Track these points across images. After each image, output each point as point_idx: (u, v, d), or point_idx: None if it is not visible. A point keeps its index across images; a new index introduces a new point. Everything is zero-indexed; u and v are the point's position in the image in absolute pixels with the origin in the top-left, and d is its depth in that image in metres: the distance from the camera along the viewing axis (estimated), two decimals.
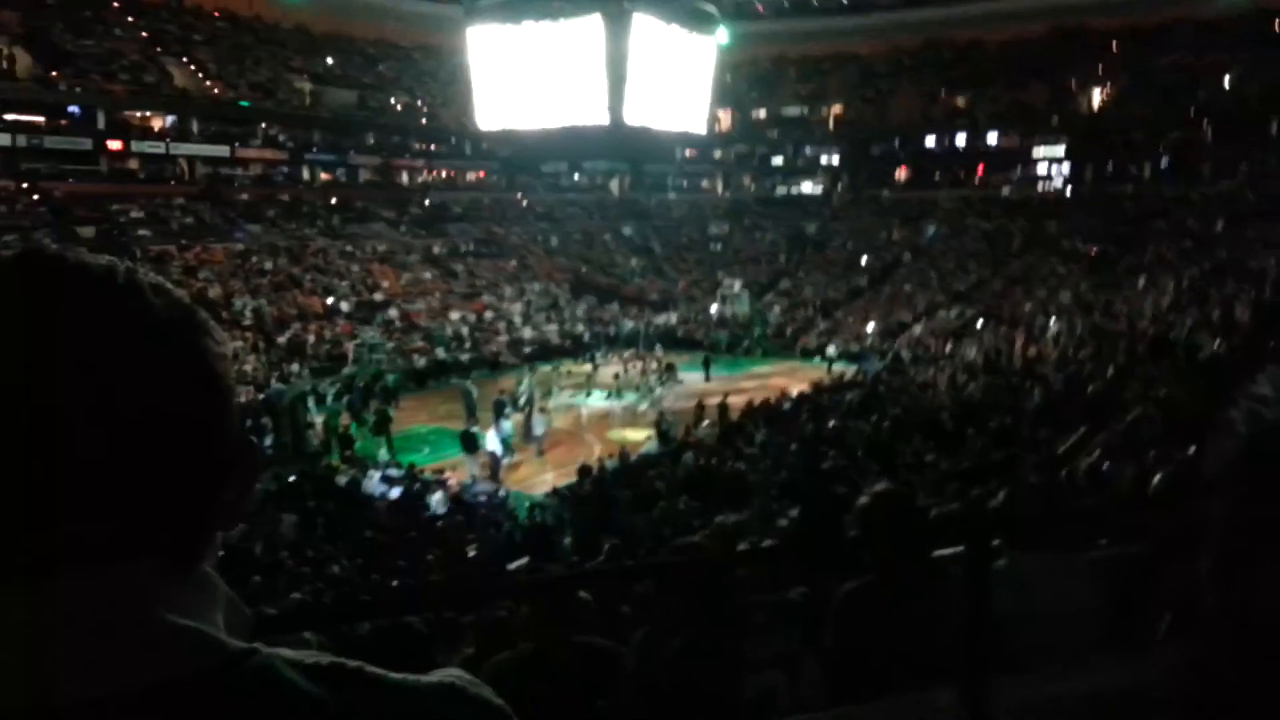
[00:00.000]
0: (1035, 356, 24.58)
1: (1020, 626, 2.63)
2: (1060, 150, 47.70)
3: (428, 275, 39.41)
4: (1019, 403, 15.07)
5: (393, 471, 18.09)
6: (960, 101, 51.29)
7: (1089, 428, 11.59)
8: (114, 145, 38.69)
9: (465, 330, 34.20)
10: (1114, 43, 47.59)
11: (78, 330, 0.60)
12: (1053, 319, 30.90)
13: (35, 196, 33.99)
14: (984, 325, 33.99)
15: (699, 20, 45.51)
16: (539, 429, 21.59)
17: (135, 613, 0.61)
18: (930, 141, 51.68)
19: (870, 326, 36.39)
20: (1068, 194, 45.83)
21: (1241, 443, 0.63)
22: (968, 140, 50.42)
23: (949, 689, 2.46)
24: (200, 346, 0.66)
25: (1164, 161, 45.03)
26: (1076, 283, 36.29)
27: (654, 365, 28.94)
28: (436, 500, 16.23)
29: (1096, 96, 47.61)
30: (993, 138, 49.99)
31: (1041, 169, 49.21)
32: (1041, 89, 48.19)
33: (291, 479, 16.54)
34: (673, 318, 39.72)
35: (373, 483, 17.33)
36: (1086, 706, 2.22)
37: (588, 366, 29.49)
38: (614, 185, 57.70)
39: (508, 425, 21.13)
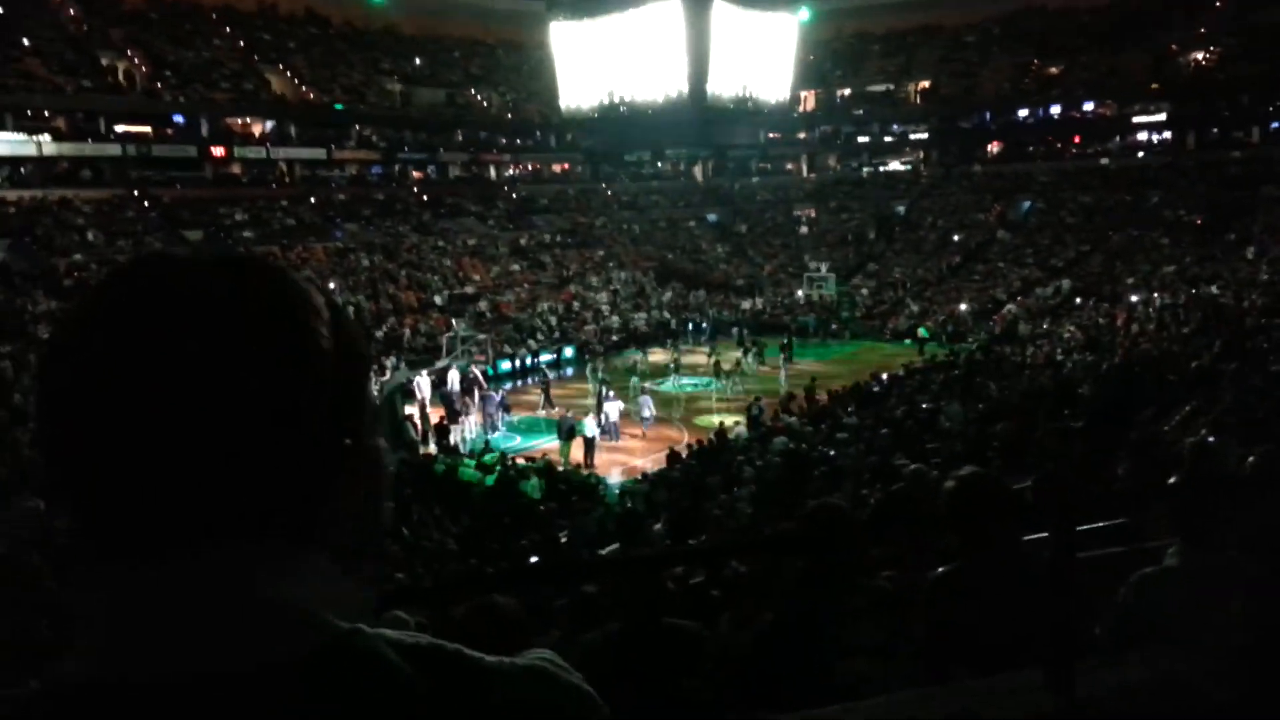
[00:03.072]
0: (1138, 333, 23.74)
1: (1186, 634, 2.56)
2: (1161, 116, 45.68)
3: (516, 267, 40.03)
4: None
5: (487, 459, 18.48)
6: (1053, 70, 49.47)
7: (1195, 405, 11.18)
8: (217, 151, 40.36)
9: (554, 320, 34.66)
10: (1215, 0, 45.30)
11: (194, 324, 0.64)
12: (1155, 294, 29.76)
13: (145, 203, 35.69)
14: (1083, 302, 32.93)
15: None
16: (646, 411, 21.88)
17: (246, 592, 0.64)
18: (1023, 113, 50.02)
19: (963, 307, 35.57)
20: (1170, 162, 43.87)
21: None
22: (1062, 110, 48.65)
23: (1035, 673, 2.47)
24: (314, 343, 0.68)
25: (1274, 123, 42.76)
26: (1181, 255, 34.84)
27: (740, 350, 28.97)
28: (531, 486, 16.54)
29: (1199, 58, 45.36)
30: (1089, 106, 48.19)
31: (1142, 137, 47.26)
32: (1139, 53, 46.13)
33: (390, 468, 17.02)
34: (759, 302, 39.53)
35: (468, 470, 17.75)
36: (1166, 689, 2.22)
37: (674, 353, 29.60)
38: (697, 171, 57.52)
39: (615, 409, 21.45)
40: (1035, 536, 3.14)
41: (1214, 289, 27.57)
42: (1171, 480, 3.15)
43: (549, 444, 20.66)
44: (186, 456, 0.62)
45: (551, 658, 0.76)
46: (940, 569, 3.12)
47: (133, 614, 0.63)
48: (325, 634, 0.65)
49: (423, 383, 23.57)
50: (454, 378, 24.16)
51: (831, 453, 13.46)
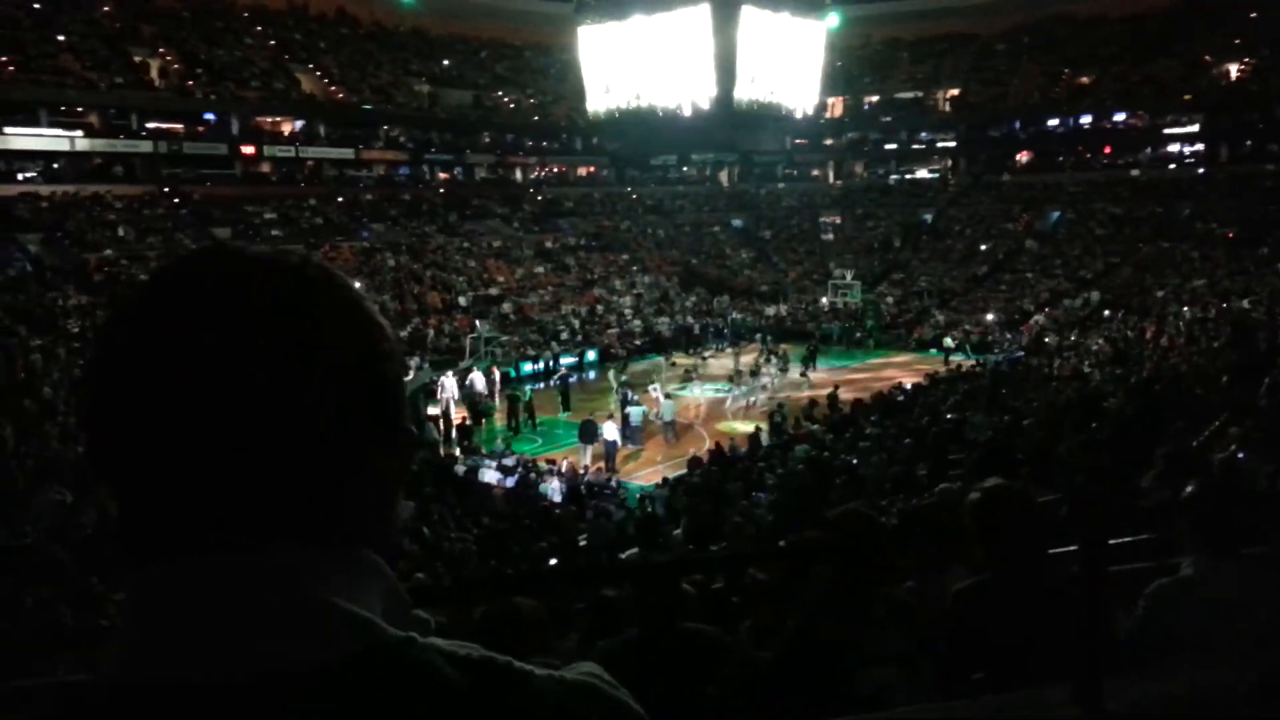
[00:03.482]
0: (1167, 347, 23.48)
1: (1202, 645, 2.54)
2: (1194, 128, 45.20)
3: (540, 269, 40.12)
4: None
5: (508, 461, 18.54)
6: (1084, 80, 49.09)
7: (1225, 420, 11.04)
8: (247, 150, 40.74)
9: (577, 323, 34.71)
10: (1251, 11, 44.73)
11: (235, 317, 0.64)
12: (1185, 307, 29.41)
13: (176, 200, 36.05)
14: (1112, 314, 32.61)
15: (809, 4, 44.70)
16: (668, 415, 21.90)
17: (296, 593, 0.64)
18: (1053, 122, 49.66)
19: (990, 317, 35.31)
20: (1202, 174, 43.38)
21: None
22: (1093, 120, 48.26)
23: (1062, 687, 2.43)
24: (352, 337, 0.68)
25: None
26: (1212, 269, 34.43)
27: (765, 356, 28.88)
28: (552, 489, 16.56)
29: (1233, 69, 44.83)
30: (1120, 117, 47.77)
31: (1173, 148, 46.76)
32: (1172, 64, 45.69)
33: (412, 468, 17.17)
34: (783, 309, 39.41)
35: (489, 472, 17.81)
36: (1196, 703, 2.18)
37: (697, 359, 29.53)
38: (723, 176, 57.47)
39: (637, 413, 21.44)
40: (1060, 550, 3.10)
41: (1245, 303, 27.22)
42: (1189, 490, 3.11)
43: (570, 447, 20.66)
44: (217, 456, 0.62)
45: (599, 673, 0.75)
46: (965, 581, 3.08)
47: (169, 614, 0.63)
48: (378, 640, 0.65)
49: (448, 383, 23.67)
50: (477, 379, 24.26)
51: (854, 461, 13.38)
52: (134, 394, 0.63)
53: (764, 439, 18.99)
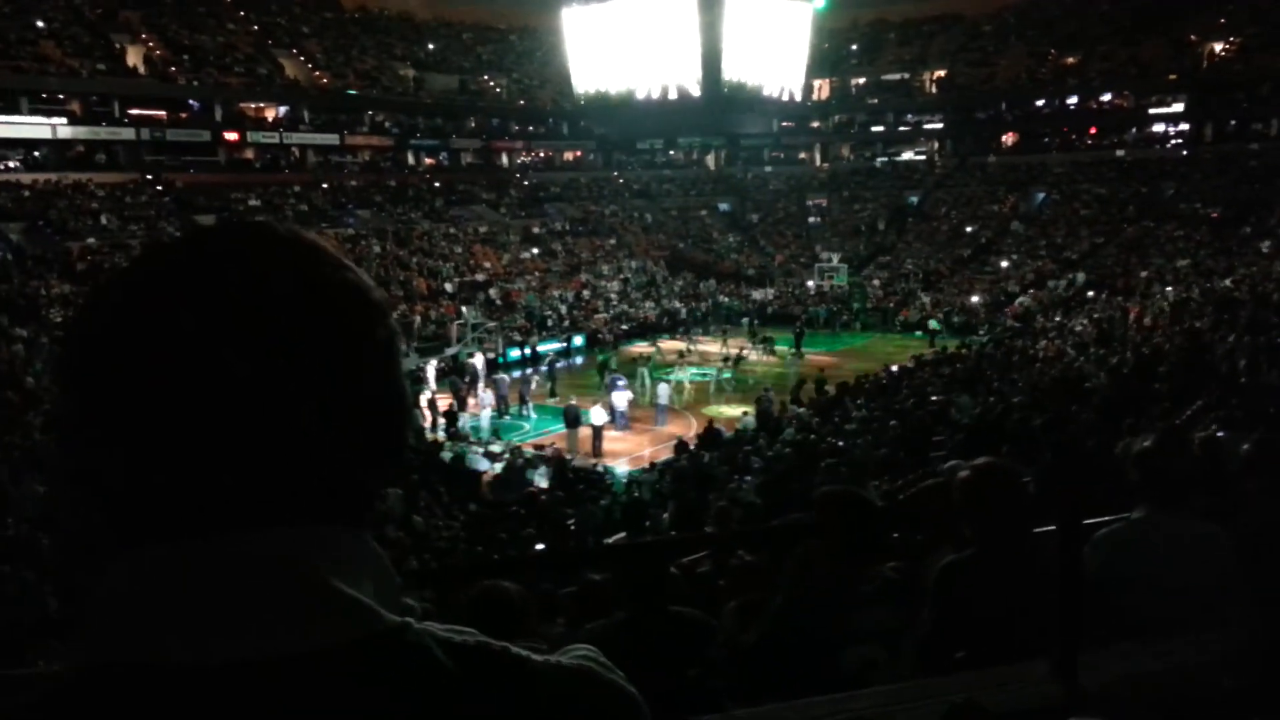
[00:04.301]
0: (1151, 326, 23.60)
1: (1146, 589, 2.63)
2: (1178, 108, 45.30)
3: (527, 255, 40.03)
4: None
5: (495, 447, 18.54)
6: (1070, 60, 49.12)
7: (1206, 400, 11.13)
8: (231, 136, 40.44)
9: (564, 308, 34.67)
10: None
11: (253, 290, 0.62)
12: (1169, 287, 29.57)
13: (159, 187, 35.81)
14: (1096, 295, 32.76)
15: None
16: (663, 398, 21.92)
17: (295, 576, 0.62)
18: (1039, 103, 49.71)
19: (975, 299, 35.42)
20: (1187, 154, 43.52)
21: None
22: (1079, 101, 48.35)
23: (1042, 662, 2.46)
24: (367, 311, 0.67)
25: None
26: (1195, 248, 34.62)
27: (749, 340, 28.90)
28: (539, 475, 16.57)
29: (1218, 49, 44.93)
30: (1106, 97, 47.86)
31: (1158, 128, 46.89)
32: (1158, 44, 45.77)
33: (408, 444, 17.18)
34: (770, 292, 39.43)
35: (476, 458, 17.81)
36: (1173, 678, 2.22)
37: (687, 342, 29.55)
38: (710, 160, 57.35)
39: (623, 398, 21.46)
40: (1040, 530, 3.14)
41: (1228, 283, 27.36)
42: (1142, 444, 3.16)
43: (557, 432, 20.66)
44: (208, 441, 0.60)
45: (596, 656, 0.75)
46: (949, 558, 3.11)
47: (162, 595, 0.61)
48: (375, 625, 0.63)
49: (429, 369, 23.64)
50: (476, 362, 24.40)
51: (840, 444, 13.42)
52: (124, 375, 0.60)
53: (745, 424, 18.99)
